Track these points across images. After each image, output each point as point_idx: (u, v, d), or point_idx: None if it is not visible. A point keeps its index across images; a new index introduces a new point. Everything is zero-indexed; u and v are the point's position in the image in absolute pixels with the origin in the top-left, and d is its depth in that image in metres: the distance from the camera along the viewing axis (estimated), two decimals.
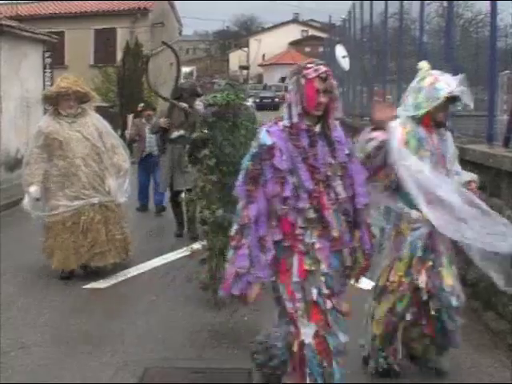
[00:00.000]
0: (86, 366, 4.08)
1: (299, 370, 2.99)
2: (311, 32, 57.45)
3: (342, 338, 3.05)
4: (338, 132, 3.09)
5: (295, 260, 2.99)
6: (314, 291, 2.97)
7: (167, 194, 8.17)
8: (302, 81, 2.96)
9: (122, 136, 11.64)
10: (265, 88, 43.60)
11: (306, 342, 2.95)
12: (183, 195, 7.45)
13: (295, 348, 2.97)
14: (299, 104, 2.97)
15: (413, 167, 3.51)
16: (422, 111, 3.60)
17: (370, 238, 3.21)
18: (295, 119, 2.98)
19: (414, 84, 3.73)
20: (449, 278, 3.62)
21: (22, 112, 12.84)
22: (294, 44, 56.37)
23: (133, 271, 6.24)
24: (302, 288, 2.97)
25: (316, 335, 2.97)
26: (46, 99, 6.27)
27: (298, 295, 2.97)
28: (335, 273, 3.05)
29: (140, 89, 19.55)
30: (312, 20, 61.90)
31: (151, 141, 9.19)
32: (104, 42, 25.46)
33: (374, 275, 3.74)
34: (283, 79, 47.95)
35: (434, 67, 3.82)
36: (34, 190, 5.83)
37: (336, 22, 24.97)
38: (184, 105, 6.81)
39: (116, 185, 6.00)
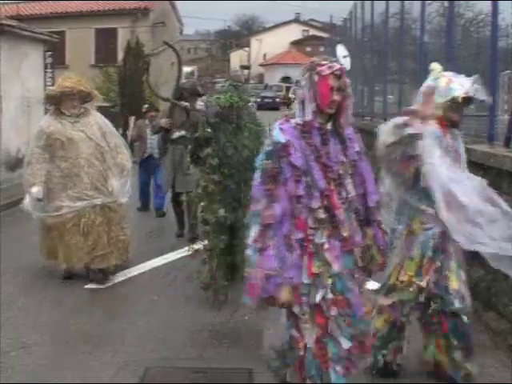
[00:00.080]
0: (86, 365, 4.08)
1: (299, 372, 2.96)
2: (312, 32, 57.42)
3: (345, 344, 2.94)
4: (348, 129, 3.03)
5: (305, 261, 2.90)
6: (318, 296, 2.90)
7: (168, 198, 8.13)
8: (316, 77, 2.89)
9: (123, 135, 11.62)
10: (266, 88, 43.59)
11: (309, 345, 2.90)
12: (184, 196, 7.44)
13: (301, 351, 2.91)
14: (313, 101, 2.90)
15: (437, 167, 3.49)
16: (437, 111, 3.57)
17: (383, 235, 3.14)
18: (309, 117, 2.90)
19: (428, 84, 3.67)
20: (455, 283, 3.61)
21: (22, 112, 12.83)
22: (295, 44, 56.37)
23: (133, 271, 6.24)
24: (309, 291, 2.90)
25: (317, 340, 2.90)
26: (48, 99, 6.19)
27: (305, 299, 2.90)
28: (349, 273, 2.96)
29: (141, 88, 19.50)
30: (313, 20, 61.88)
31: (152, 142, 9.15)
32: (105, 41, 25.46)
33: (381, 275, 3.67)
34: (284, 79, 47.96)
35: None
36: (36, 190, 5.78)
37: (337, 22, 24.98)
38: (185, 103, 6.80)
39: (119, 185, 5.95)
